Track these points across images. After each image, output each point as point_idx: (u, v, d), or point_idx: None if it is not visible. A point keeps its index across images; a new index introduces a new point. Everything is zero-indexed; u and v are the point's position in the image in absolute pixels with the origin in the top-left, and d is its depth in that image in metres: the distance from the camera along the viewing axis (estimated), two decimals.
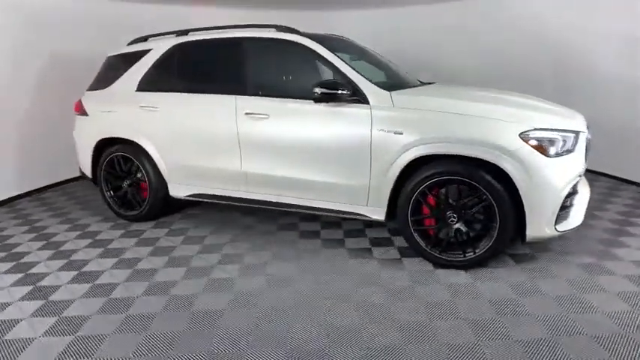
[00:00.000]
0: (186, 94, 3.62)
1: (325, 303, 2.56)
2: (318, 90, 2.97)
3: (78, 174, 4.50)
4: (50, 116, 5.07)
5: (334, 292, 2.69)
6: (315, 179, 3.21)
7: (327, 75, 3.35)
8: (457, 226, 2.86)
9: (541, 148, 2.62)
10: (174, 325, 2.39)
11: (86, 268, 3.11)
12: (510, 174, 2.63)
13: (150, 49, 3.86)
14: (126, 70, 3.96)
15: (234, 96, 3.41)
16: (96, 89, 4.15)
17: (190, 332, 2.32)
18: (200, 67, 3.70)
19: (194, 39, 3.69)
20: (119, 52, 4.11)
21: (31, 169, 5.04)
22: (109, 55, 4.21)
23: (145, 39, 4.10)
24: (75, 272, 3.06)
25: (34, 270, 3.10)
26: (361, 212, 3.15)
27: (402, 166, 2.88)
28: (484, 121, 2.72)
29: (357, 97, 3.01)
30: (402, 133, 2.86)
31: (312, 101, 3.11)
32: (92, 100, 4.09)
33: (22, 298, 2.71)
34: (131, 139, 3.81)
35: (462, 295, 2.60)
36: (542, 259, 3.03)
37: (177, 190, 3.80)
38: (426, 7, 6.24)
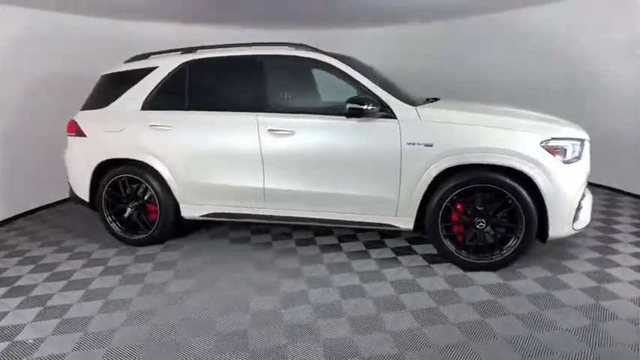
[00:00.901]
0: (202, 112, 3.56)
1: (388, 314, 2.64)
2: (351, 106, 3.09)
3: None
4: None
5: (390, 301, 2.77)
6: (344, 193, 3.30)
7: (348, 92, 3.46)
8: (485, 230, 3.07)
9: (559, 155, 2.92)
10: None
11: (112, 297, 2.94)
12: (534, 180, 2.89)
13: (155, 67, 3.76)
14: (127, 88, 3.81)
15: (254, 113, 3.42)
16: (91, 108, 3.95)
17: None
18: (216, 84, 3.66)
19: (207, 56, 3.66)
20: (117, 70, 3.95)
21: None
22: (104, 73, 4.03)
23: (146, 56, 3.99)
24: (101, 301, 2.88)
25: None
26: (390, 223, 3.28)
27: (434, 177, 3.05)
28: (508, 133, 2.98)
29: (385, 112, 3.16)
30: (432, 145, 3.04)
31: (339, 117, 3.22)
32: (90, 120, 3.88)
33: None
34: (140, 159, 3.66)
35: (502, 294, 2.80)
36: (549, 257, 3.32)
37: (191, 210, 3.70)
38: (428, 25, 6.59)
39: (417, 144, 3.07)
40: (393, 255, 3.47)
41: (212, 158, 3.53)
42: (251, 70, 3.51)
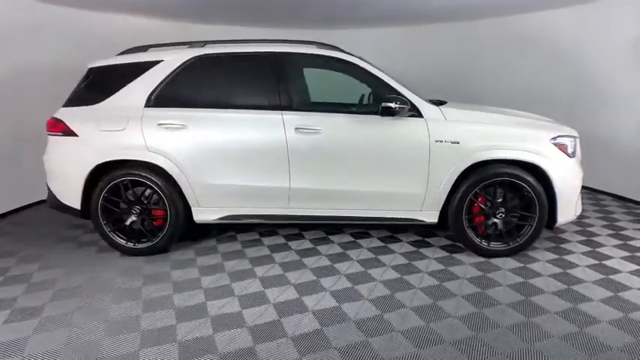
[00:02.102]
0: (222, 110, 3.39)
1: (448, 302, 2.78)
2: (386, 105, 3.19)
3: None
4: None
5: (438, 290, 2.91)
6: (372, 190, 3.38)
7: (366, 91, 3.56)
8: (504, 219, 3.36)
9: (564, 150, 3.31)
10: None
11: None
12: (548, 172, 3.25)
13: (159, 61, 3.48)
14: (124, 83, 3.48)
15: (279, 111, 3.35)
16: (79, 105, 3.53)
17: None
18: (234, 81, 3.50)
19: (224, 51, 3.48)
20: (110, 63, 3.58)
21: None
22: (92, 66, 3.62)
23: (144, 49, 3.68)
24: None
25: None
26: (416, 217, 3.43)
27: (460, 172, 3.27)
28: (524, 131, 3.32)
29: (413, 111, 3.31)
30: (458, 143, 3.26)
31: (367, 115, 3.31)
32: (81, 118, 3.46)
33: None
34: (148, 160, 3.36)
35: (528, 276, 3.09)
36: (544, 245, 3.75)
37: (205, 214, 3.50)
38: (437, 25, 6.70)
39: (445, 141, 3.27)
40: (416, 248, 3.63)
41: (233, 158, 3.37)
42: (273, 68, 3.43)
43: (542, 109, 4.74)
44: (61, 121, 3.47)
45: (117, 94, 3.47)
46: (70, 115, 3.49)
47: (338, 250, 3.60)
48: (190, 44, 3.61)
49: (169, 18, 6.09)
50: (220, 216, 3.51)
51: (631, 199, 4.97)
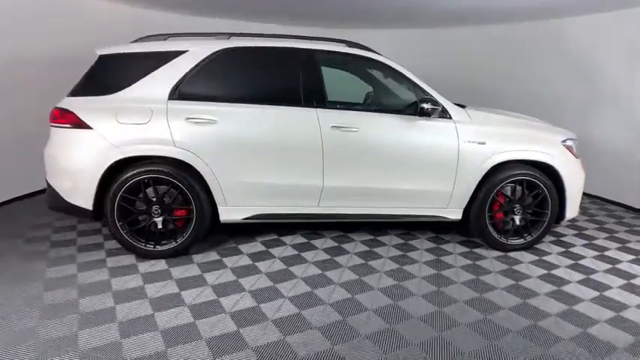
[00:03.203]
0: (253, 105, 3.26)
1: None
2: (424, 106, 3.29)
3: None
4: None
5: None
6: (403, 187, 3.45)
7: (397, 91, 3.62)
8: (521, 216, 3.60)
9: (572, 152, 3.63)
10: None
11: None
12: (560, 171, 3.54)
13: (184, 51, 3.28)
14: (144, 73, 3.22)
15: (314, 109, 3.31)
16: (90, 95, 3.21)
17: None
18: (264, 76, 3.39)
19: (254, 45, 3.35)
20: (125, 51, 3.29)
21: None
22: (105, 53, 3.31)
23: (163, 37, 3.43)
24: None
25: None
26: (441, 214, 3.57)
27: (485, 171, 3.45)
28: (540, 133, 3.60)
29: (443, 113, 3.44)
30: (484, 143, 3.44)
31: (402, 115, 3.38)
32: (95, 109, 3.14)
33: None
34: (175, 156, 3.15)
35: (549, 267, 3.35)
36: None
37: (232, 213, 3.35)
38: (447, 30, 6.76)
39: (473, 142, 3.43)
40: (433, 245, 3.76)
41: (265, 155, 3.27)
42: (306, 64, 3.36)
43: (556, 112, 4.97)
44: (70, 112, 3.13)
45: (136, 84, 3.21)
46: (80, 106, 3.16)
47: (364, 247, 3.62)
48: (215, 35, 3.44)
49: (169, 9, 5.79)
50: (247, 215, 3.38)
51: None
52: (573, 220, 4.54)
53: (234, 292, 2.83)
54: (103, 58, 3.31)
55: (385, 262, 3.36)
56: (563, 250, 3.72)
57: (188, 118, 3.16)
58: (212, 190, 3.26)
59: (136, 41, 3.44)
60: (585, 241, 3.94)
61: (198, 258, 3.34)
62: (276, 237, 3.80)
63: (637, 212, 4.97)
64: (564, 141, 3.61)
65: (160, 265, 3.21)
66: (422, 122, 3.40)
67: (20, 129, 4.48)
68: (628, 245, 3.87)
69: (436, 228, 4.14)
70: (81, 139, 3.13)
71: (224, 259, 3.34)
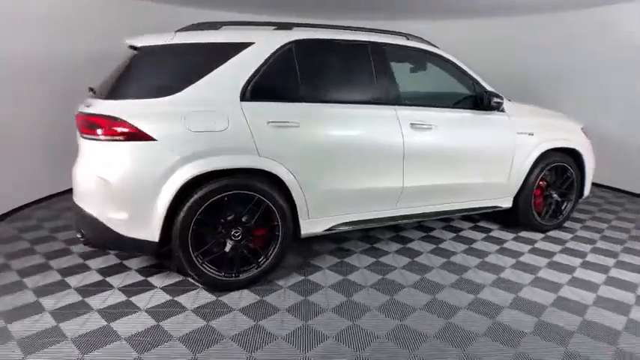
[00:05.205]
0: (334, 105, 2.94)
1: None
2: (496, 100, 3.36)
3: None
4: None
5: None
6: (473, 182, 3.49)
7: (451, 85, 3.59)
8: (555, 199, 3.93)
9: (587, 136, 4.06)
10: None
11: None
12: (583, 156, 3.94)
13: (250, 43, 2.78)
14: (206, 69, 2.67)
15: (393, 106, 3.12)
16: (139, 98, 2.54)
17: None
18: (337, 72, 3.06)
19: (324, 37, 2.99)
20: (176, 42, 2.66)
21: None
22: (144, 44, 2.63)
23: (215, 26, 2.86)
24: None
25: None
26: (496, 204, 3.70)
27: (534, 160, 3.67)
28: (567, 123, 3.97)
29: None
30: (532, 134, 3.65)
31: (471, 110, 3.42)
32: (154, 116, 2.49)
33: None
34: (263, 168, 2.69)
35: (581, 246, 3.71)
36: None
37: (314, 226, 3.00)
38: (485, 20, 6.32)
39: (524, 133, 3.62)
40: (478, 234, 3.89)
41: (351, 160, 2.99)
42: (379, 59, 3.13)
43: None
44: (123, 121, 2.44)
45: (198, 83, 2.65)
46: (133, 112, 2.49)
47: (426, 247, 3.58)
48: (278, 25, 3.00)
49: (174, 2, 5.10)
50: (329, 226, 3.06)
51: None
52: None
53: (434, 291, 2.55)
54: (144, 51, 2.64)
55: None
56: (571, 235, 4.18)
57: (270, 122, 2.72)
58: (296, 202, 2.87)
59: (181, 30, 2.81)
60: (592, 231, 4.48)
61: (281, 282, 2.93)
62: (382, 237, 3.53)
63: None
64: (583, 128, 4.02)
65: (206, 296, 2.73)
66: (487, 116, 3.47)
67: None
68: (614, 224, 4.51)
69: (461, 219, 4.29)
70: (141, 155, 2.47)
71: (309, 277, 2.98)
